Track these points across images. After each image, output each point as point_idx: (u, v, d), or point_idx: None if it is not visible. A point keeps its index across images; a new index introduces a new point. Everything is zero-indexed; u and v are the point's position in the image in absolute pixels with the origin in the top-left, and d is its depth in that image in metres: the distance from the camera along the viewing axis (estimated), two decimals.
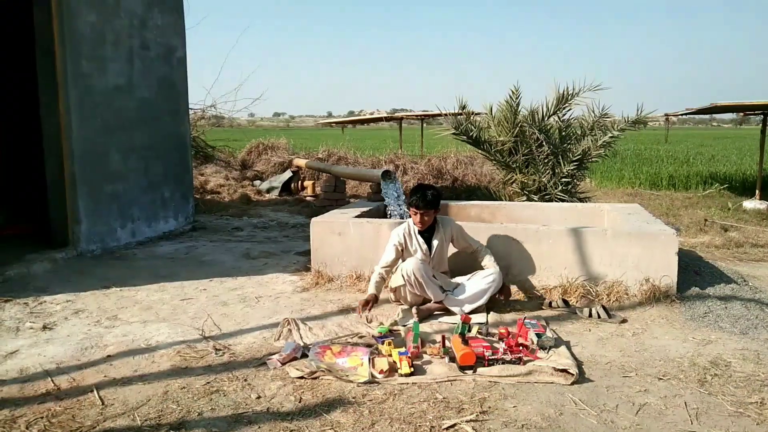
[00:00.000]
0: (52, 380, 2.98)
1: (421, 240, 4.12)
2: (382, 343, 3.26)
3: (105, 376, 3.03)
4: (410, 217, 4.16)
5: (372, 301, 3.87)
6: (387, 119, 19.75)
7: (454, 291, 4.07)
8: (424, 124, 18.14)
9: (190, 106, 8.62)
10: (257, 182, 11.67)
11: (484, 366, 3.05)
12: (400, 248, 4.10)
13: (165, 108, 6.95)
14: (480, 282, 4.04)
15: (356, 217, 5.02)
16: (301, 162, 11.46)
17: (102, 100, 5.96)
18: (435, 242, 4.14)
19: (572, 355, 3.22)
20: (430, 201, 3.98)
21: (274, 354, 3.23)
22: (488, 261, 4.21)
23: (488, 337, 3.44)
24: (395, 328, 3.70)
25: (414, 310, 3.90)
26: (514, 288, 4.38)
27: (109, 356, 3.30)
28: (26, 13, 5.76)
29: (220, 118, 15.33)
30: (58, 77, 5.52)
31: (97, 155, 5.92)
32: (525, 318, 3.61)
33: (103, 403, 2.73)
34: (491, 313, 4.00)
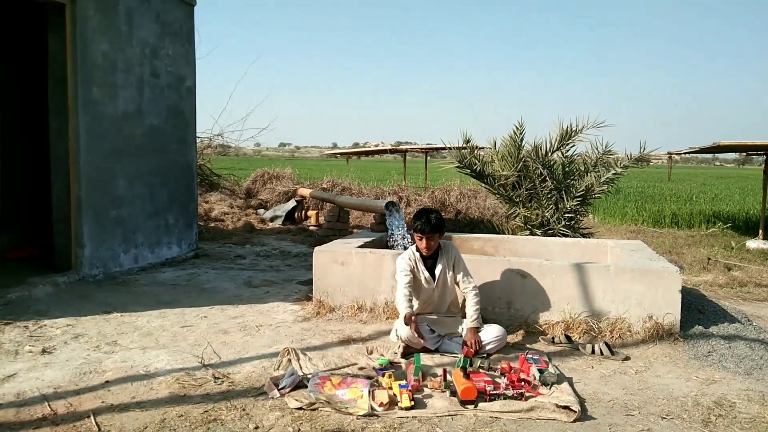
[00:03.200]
0: (48, 405, 2.95)
1: (423, 268, 4.05)
2: (383, 375, 3.23)
3: (102, 402, 3.00)
4: (413, 244, 4.12)
5: (413, 318, 3.73)
6: (391, 151, 19.93)
7: (452, 339, 3.96)
8: (428, 157, 18.27)
9: (198, 134, 8.73)
10: (261, 211, 11.72)
11: (485, 401, 3.02)
12: (411, 272, 3.97)
13: (173, 136, 7.03)
14: (483, 336, 3.85)
15: (359, 247, 5.03)
16: (305, 192, 11.52)
17: (111, 127, 6.04)
18: (439, 268, 4.05)
19: (575, 391, 3.19)
20: (435, 225, 3.92)
21: (273, 383, 3.20)
22: (471, 307, 3.95)
23: (490, 372, 3.41)
24: (396, 360, 3.67)
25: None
26: (516, 323, 4.35)
27: (107, 382, 3.27)
28: (40, 40, 5.89)
29: (226, 147, 15.48)
30: (69, 103, 5.62)
31: (103, 180, 5.97)
32: (527, 353, 3.58)
33: (99, 430, 2.70)
34: None
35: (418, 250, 4.07)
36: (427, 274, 4.04)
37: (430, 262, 4.07)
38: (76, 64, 5.61)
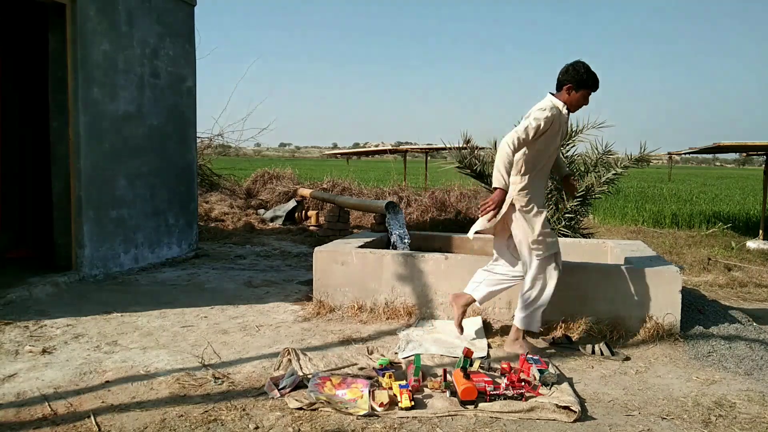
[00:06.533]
0: (49, 405, 2.95)
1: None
2: (383, 375, 3.23)
3: (103, 402, 3.00)
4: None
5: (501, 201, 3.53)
6: (391, 152, 19.94)
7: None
8: (428, 158, 18.27)
9: (198, 134, 8.74)
10: (261, 211, 11.72)
11: (485, 401, 3.02)
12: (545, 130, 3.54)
13: (173, 136, 7.03)
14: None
15: (359, 247, 5.03)
16: (305, 192, 11.53)
17: (111, 127, 6.04)
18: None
19: (575, 392, 3.18)
20: None
21: (273, 384, 3.20)
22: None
23: (490, 372, 3.41)
24: (396, 360, 3.67)
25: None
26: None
27: (107, 382, 3.27)
28: (40, 40, 5.89)
29: (226, 147, 15.49)
30: (69, 103, 5.62)
31: (104, 180, 5.97)
32: (527, 353, 3.58)
33: (99, 430, 2.70)
34: (493, 348, 3.98)
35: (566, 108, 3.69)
36: (565, 128, 3.73)
37: None
38: (77, 64, 5.62)
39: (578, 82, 3.57)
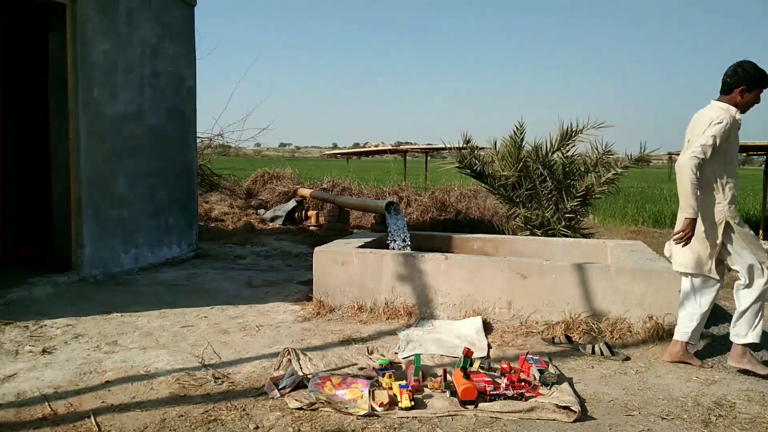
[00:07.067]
0: (49, 405, 2.95)
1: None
2: (383, 375, 3.23)
3: (103, 402, 3.00)
4: (730, 101, 3.47)
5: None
6: (391, 152, 19.95)
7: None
8: (428, 158, 18.27)
9: (198, 134, 8.73)
10: (261, 211, 11.72)
11: (485, 401, 3.02)
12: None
13: (173, 136, 7.03)
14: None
15: (359, 247, 5.03)
16: (305, 192, 11.52)
17: (111, 127, 6.04)
18: None
19: (575, 392, 3.18)
20: None
21: (273, 384, 3.20)
22: None
23: (490, 372, 3.41)
24: (396, 360, 3.67)
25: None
26: (516, 323, 4.35)
27: (107, 382, 3.27)
28: (40, 40, 5.89)
29: (226, 147, 15.49)
30: (69, 103, 5.61)
31: (104, 180, 5.97)
32: (527, 353, 3.58)
33: (99, 430, 2.70)
34: (493, 348, 3.98)
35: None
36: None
37: None
38: (77, 65, 5.61)
39: (751, 82, 3.43)
